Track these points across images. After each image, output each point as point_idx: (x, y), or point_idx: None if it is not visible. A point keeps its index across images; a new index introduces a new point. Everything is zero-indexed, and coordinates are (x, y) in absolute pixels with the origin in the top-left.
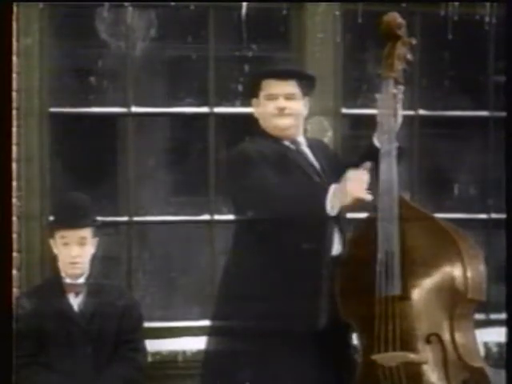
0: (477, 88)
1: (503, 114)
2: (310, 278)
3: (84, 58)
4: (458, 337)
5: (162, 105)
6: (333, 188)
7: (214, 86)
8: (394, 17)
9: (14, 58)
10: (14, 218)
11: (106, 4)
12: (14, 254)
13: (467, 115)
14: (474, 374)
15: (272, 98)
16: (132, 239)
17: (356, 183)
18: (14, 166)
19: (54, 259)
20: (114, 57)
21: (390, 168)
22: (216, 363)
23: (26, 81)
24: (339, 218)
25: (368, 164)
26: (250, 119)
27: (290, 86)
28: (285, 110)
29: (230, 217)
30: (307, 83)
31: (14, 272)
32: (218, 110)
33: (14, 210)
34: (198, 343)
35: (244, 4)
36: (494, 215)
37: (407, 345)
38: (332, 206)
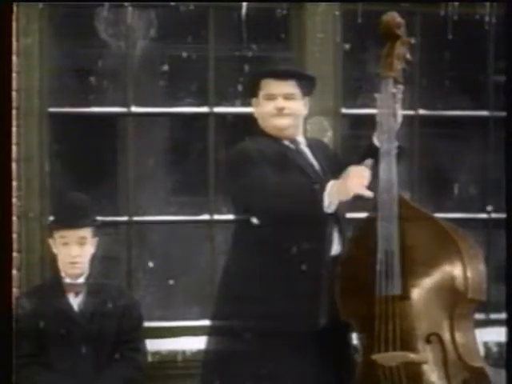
0: (477, 88)
1: (503, 113)
2: (309, 278)
3: (84, 58)
4: (458, 337)
5: (161, 105)
6: (330, 184)
7: (214, 86)
8: (393, 16)
9: (14, 58)
10: (14, 218)
11: (106, 4)
12: (14, 254)
13: (467, 115)
14: (473, 373)
15: (271, 97)
16: (132, 239)
17: (357, 179)
18: (14, 165)
19: (53, 259)
20: (114, 57)
21: (389, 167)
22: (216, 363)
23: (25, 81)
24: (338, 218)
25: (369, 161)
26: (249, 119)
27: (290, 86)
28: (283, 110)
29: (230, 217)
30: (307, 83)
31: (14, 272)
32: (217, 109)
33: (14, 209)
34: (198, 343)
35: (244, 4)
36: (494, 215)
37: (407, 344)
38: (330, 202)
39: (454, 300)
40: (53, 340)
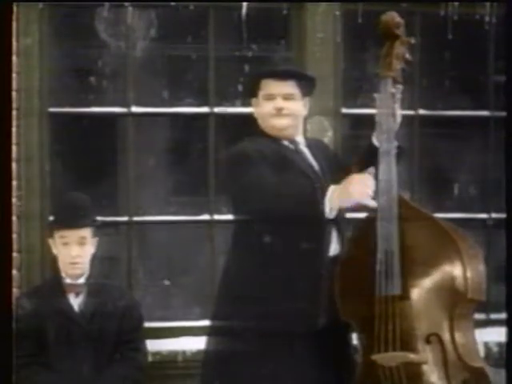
0: (477, 88)
1: (503, 113)
2: (309, 278)
3: (84, 58)
4: (458, 337)
5: (162, 105)
6: (331, 190)
7: (214, 86)
8: (392, 16)
9: (14, 58)
10: (14, 218)
11: (106, 4)
12: (14, 254)
13: (467, 115)
14: (473, 373)
15: (270, 98)
16: (132, 239)
17: (360, 187)
18: (14, 165)
19: (54, 259)
20: (114, 57)
21: (389, 168)
22: (216, 363)
23: (25, 81)
24: (337, 218)
25: (372, 169)
26: (250, 119)
27: (289, 87)
28: (282, 111)
29: (230, 217)
30: (307, 83)
31: (14, 272)
32: (218, 110)
33: (14, 209)
34: (198, 343)
35: (244, 4)
36: (494, 215)
37: (407, 345)
38: (330, 208)
39: (453, 300)
40: (53, 340)
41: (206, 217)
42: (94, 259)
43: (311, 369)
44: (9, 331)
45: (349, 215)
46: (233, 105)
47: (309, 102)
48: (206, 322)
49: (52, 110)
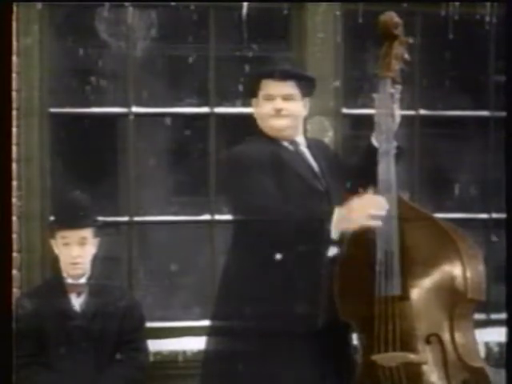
0: (477, 88)
1: (503, 113)
2: (309, 278)
3: (84, 58)
4: (458, 337)
5: (162, 105)
6: (336, 214)
7: (215, 86)
8: (391, 16)
9: (14, 58)
10: (14, 218)
11: (106, 4)
12: (14, 254)
13: (467, 115)
14: (473, 374)
15: (270, 98)
16: (132, 239)
17: (362, 212)
18: (14, 166)
19: (55, 259)
20: (114, 57)
21: (388, 168)
22: (216, 363)
23: (25, 81)
24: None
25: (371, 190)
26: (250, 119)
27: (289, 87)
28: (282, 111)
29: (231, 217)
30: (307, 84)
31: (14, 272)
32: (218, 110)
33: (14, 209)
34: (199, 343)
35: (244, 4)
36: (494, 215)
37: (407, 345)
38: (336, 231)
39: (453, 300)
40: (54, 340)
41: (206, 217)
42: (95, 259)
43: (311, 369)
44: (9, 331)
45: None
46: (233, 105)
47: (309, 102)
48: (206, 322)
49: (52, 110)
